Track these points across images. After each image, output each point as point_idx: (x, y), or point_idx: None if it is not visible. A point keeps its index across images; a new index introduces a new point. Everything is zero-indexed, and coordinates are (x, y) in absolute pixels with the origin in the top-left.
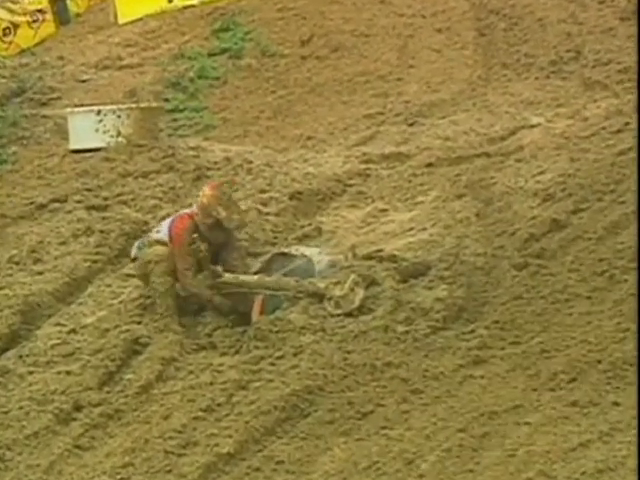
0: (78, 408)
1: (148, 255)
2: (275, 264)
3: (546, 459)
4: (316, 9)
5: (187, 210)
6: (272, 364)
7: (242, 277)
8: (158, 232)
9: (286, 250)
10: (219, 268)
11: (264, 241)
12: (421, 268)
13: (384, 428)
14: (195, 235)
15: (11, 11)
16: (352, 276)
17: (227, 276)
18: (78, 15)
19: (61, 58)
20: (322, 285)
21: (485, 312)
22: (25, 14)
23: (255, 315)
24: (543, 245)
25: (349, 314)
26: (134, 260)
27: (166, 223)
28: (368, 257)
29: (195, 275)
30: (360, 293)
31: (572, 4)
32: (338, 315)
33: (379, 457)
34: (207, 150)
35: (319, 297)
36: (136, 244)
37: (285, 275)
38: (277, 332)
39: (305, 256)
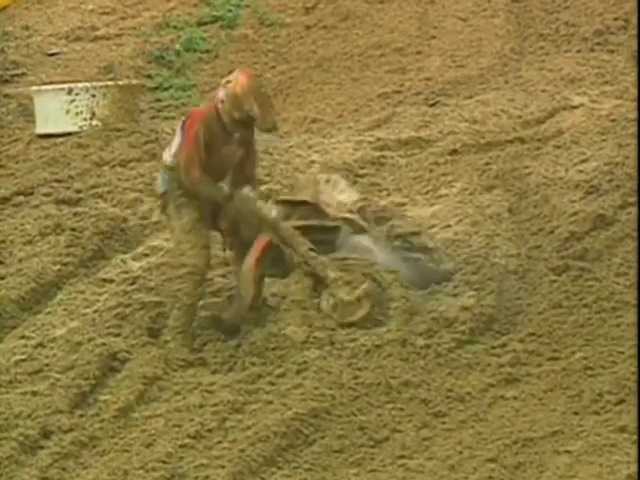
0: (46, 434)
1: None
2: (301, 212)
3: None
4: None
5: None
6: (271, 383)
7: (260, 203)
8: (170, 147)
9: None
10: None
11: None
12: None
13: (402, 457)
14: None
15: None
16: (365, 284)
17: (246, 192)
18: None
19: (26, 28)
20: (332, 274)
21: (519, 323)
22: None
23: (250, 260)
24: (586, 245)
25: (341, 324)
26: (163, 195)
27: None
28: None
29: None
30: (365, 307)
31: None
32: (327, 317)
33: None
34: None
35: (321, 284)
36: (160, 174)
37: (305, 233)
38: (277, 347)
39: (337, 226)
